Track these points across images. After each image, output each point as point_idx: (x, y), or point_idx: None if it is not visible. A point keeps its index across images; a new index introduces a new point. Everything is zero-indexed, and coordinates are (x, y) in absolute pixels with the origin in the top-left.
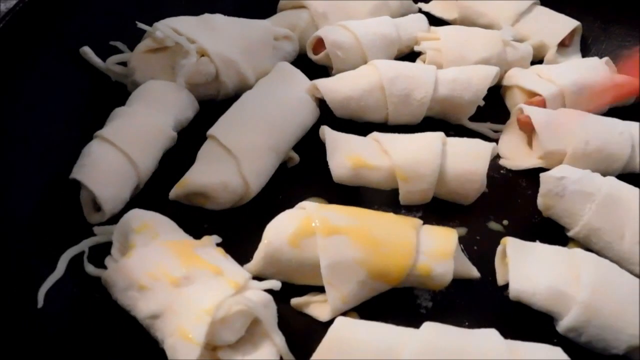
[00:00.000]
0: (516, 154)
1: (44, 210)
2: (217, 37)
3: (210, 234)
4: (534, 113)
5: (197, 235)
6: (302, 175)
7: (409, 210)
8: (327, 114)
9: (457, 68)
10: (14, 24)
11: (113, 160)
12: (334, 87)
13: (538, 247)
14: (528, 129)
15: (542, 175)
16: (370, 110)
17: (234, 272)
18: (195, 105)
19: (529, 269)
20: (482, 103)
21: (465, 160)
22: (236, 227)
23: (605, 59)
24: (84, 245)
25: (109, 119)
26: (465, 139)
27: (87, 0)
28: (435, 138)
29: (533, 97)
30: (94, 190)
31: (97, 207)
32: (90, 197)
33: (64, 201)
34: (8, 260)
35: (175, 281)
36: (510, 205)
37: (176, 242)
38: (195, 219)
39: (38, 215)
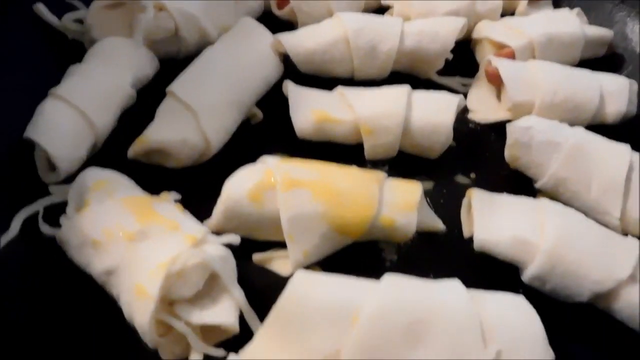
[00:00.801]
0: (485, 107)
1: None
2: None
3: (169, 187)
4: (502, 65)
5: (157, 194)
6: (266, 132)
7: (375, 165)
8: (292, 70)
9: (424, 20)
10: None
11: (68, 118)
12: (297, 42)
13: (504, 198)
14: (496, 82)
15: (509, 125)
16: (335, 64)
17: (192, 227)
18: (155, 62)
19: (493, 219)
20: (450, 56)
21: (431, 112)
22: (197, 185)
23: (577, 10)
24: (39, 205)
25: (64, 77)
26: (431, 92)
27: None
28: (400, 91)
29: (502, 50)
30: (48, 149)
31: (53, 167)
32: (45, 156)
33: (19, 161)
34: None
35: (130, 236)
36: (479, 159)
37: (132, 198)
38: (155, 177)
39: None
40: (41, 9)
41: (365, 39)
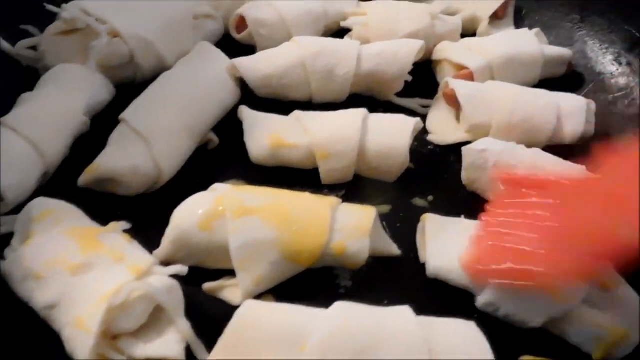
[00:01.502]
0: (444, 128)
1: None
2: (132, 16)
3: (121, 220)
4: (459, 86)
5: (108, 223)
6: (222, 157)
7: (331, 189)
8: (249, 94)
9: (381, 42)
10: None
11: (16, 147)
12: (253, 66)
13: (457, 222)
14: (454, 103)
15: (464, 148)
16: (292, 89)
17: (137, 257)
18: (110, 88)
19: (447, 245)
20: (408, 78)
21: (387, 136)
22: (149, 213)
23: (536, 30)
24: None
25: (15, 105)
26: (388, 115)
27: None
28: (355, 114)
29: (461, 71)
30: None
31: (0, 197)
32: None
33: None
34: None
35: (73, 268)
36: (437, 181)
37: (78, 228)
38: (107, 205)
39: None
40: None
41: (322, 62)
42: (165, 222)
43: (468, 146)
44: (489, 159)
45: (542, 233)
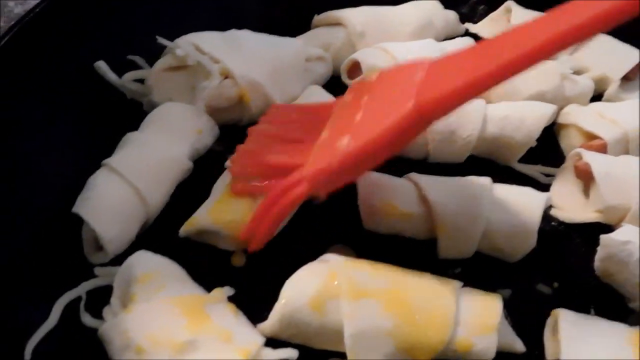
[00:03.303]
0: (570, 204)
1: (41, 246)
2: (244, 57)
3: (221, 277)
4: (595, 161)
5: (208, 279)
6: (327, 215)
7: (447, 264)
8: None
9: (508, 104)
10: (24, 31)
11: (121, 194)
12: None
13: (595, 322)
14: (586, 177)
15: (602, 237)
16: (409, 147)
17: (245, 337)
18: (216, 131)
19: (583, 349)
20: (534, 144)
21: (515, 213)
22: (251, 274)
23: None
24: (83, 289)
25: (119, 145)
26: (514, 187)
27: (104, 11)
28: (481, 185)
29: (592, 140)
30: (97, 228)
31: (100, 246)
32: (93, 235)
33: (65, 236)
34: None
35: (178, 347)
36: (562, 264)
37: (184, 298)
38: (206, 258)
39: (34, 250)
40: (102, 66)
41: (443, 122)
42: (267, 287)
43: (608, 236)
44: (633, 252)
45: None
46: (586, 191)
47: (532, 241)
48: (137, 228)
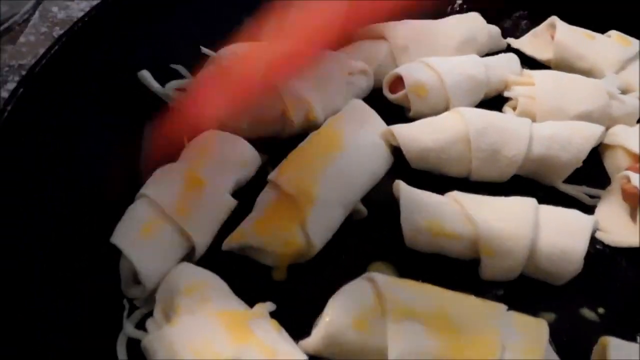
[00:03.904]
0: (616, 227)
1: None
2: None
3: (262, 291)
4: None
5: (249, 294)
6: (368, 231)
7: (489, 285)
8: (399, 160)
9: (555, 123)
10: (70, 42)
11: (162, 230)
12: (412, 136)
13: None
14: (634, 201)
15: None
16: (451, 165)
17: (289, 354)
18: (258, 160)
19: None
20: (580, 165)
21: (562, 236)
22: (292, 289)
23: None
24: (131, 322)
25: (158, 175)
26: (561, 209)
27: (147, 19)
28: (528, 206)
29: (639, 162)
30: (137, 264)
31: (137, 280)
32: (131, 268)
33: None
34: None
35: None
36: (607, 289)
37: (228, 312)
38: (248, 271)
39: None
40: (145, 75)
41: (488, 140)
42: (308, 301)
43: None
44: None
45: None
46: (633, 214)
47: (578, 265)
48: (176, 262)
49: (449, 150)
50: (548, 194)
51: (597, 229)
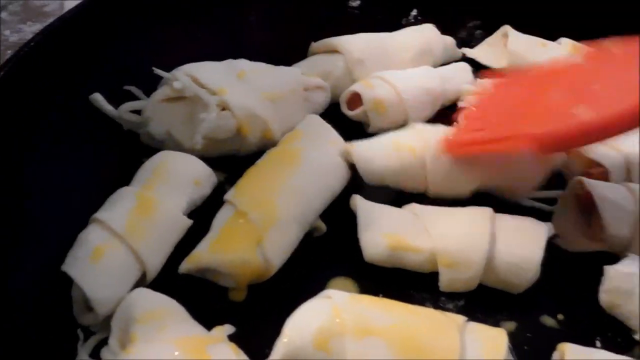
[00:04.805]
0: (573, 232)
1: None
2: (242, 87)
3: (220, 313)
4: (597, 189)
5: (208, 316)
6: (327, 247)
7: (450, 297)
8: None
9: None
10: (20, 64)
11: (114, 254)
12: (368, 157)
13: (601, 356)
14: (588, 206)
15: (606, 269)
16: (407, 184)
17: None
18: (213, 179)
19: None
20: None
21: (518, 245)
22: (251, 310)
23: None
24: (84, 353)
25: (111, 199)
26: (517, 218)
27: (99, 42)
28: (484, 217)
29: (593, 168)
30: (86, 289)
31: (90, 307)
32: (83, 295)
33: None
34: None
35: None
36: (566, 296)
37: (185, 339)
38: (205, 293)
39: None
40: (98, 98)
41: (444, 162)
42: (267, 321)
43: (612, 267)
44: (637, 284)
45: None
46: (588, 220)
47: (535, 273)
48: (130, 287)
49: (407, 172)
50: (506, 202)
51: (555, 236)
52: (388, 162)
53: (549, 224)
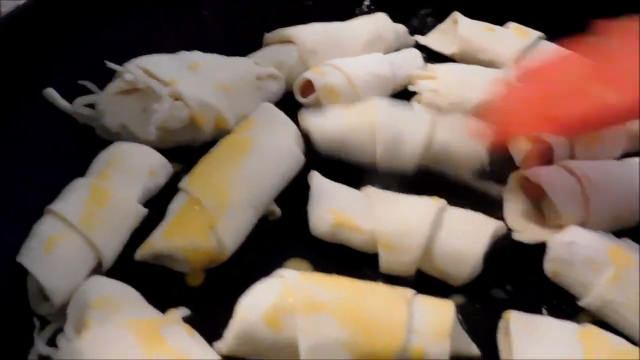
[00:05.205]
0: (527, 224)
1: None
2: (194, 78)
3: (177, 298)
4: (541, 177)
5: (165, 301)
6: (283, 230)
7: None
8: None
9: (457, 115)
10: None
11: (69, 243)
12: (320, 121)
13: (544, 322)
14: (535, 195)
15: (549, 239)
16: (357, 151)
17: (202, 357)
18: (169, 169)
19: (534, 348)
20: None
21: (460, 238)
22: (208, 294)
23: None
24: (40, 342)
25: (65, 191)
26: (468, 212)
27: (52, 36)
28: (431, 206)
29: (538, 145)
30: (41, 279)
31: (46, 296)
32: (38, 285)
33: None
34: None
35: None
36: (516, 270)
37: (138, 321)
38: (162, 279)
39: None
40: (51, 93)
41: (392, 129)
42: (223, 305)
43: (554, 237)
44: (576, 252)
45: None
46: (539, 208)
47: (475, 267)
48: (85, 276)
49: (354, 136)
50: (470, 194)
51: (512, 230)
52: (338, 126)
53: (499, 222)
